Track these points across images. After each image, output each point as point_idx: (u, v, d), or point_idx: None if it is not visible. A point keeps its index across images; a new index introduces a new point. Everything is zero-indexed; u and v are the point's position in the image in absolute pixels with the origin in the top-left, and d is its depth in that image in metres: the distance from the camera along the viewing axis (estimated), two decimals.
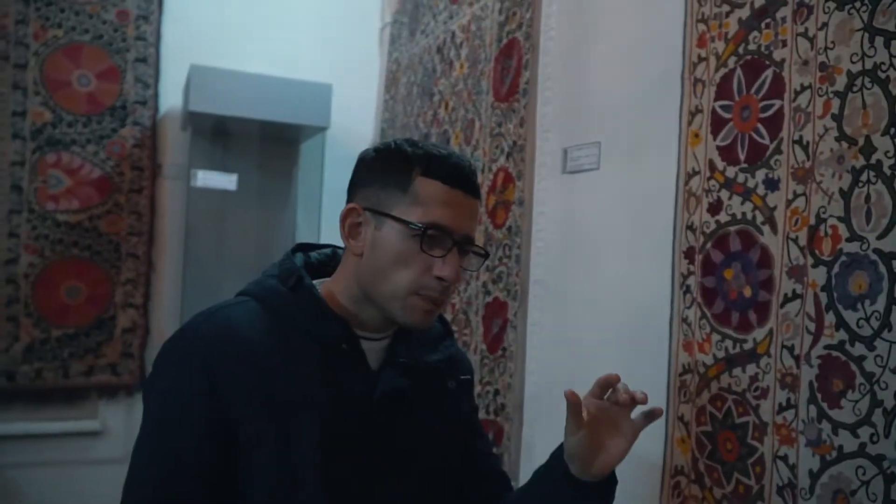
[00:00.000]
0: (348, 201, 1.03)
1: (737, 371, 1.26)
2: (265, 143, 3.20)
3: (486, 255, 1.07)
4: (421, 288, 0.95)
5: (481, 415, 2.21)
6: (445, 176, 0.96)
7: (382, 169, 1.00)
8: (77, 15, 2.87)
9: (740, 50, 1.32)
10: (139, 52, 2.97)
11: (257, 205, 3.17)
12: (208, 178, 2.96)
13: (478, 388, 2.25)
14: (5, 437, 2.73)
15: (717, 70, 1.37)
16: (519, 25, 2.21)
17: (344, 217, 1.01)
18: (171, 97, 3.02)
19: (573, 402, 1.02)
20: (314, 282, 1.03)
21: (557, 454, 1.09)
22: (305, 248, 1.12)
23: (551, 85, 2.01)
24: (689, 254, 1.40)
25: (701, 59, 1.41)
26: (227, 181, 3.00)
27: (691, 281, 1.39)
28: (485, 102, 2.39)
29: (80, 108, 2.87)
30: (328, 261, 1.11)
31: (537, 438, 1.93)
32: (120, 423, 2.91)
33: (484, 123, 2.38)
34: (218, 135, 3.10)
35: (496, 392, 2.15)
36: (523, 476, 1.95)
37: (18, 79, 2.78)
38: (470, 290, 2.36)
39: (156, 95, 2.99)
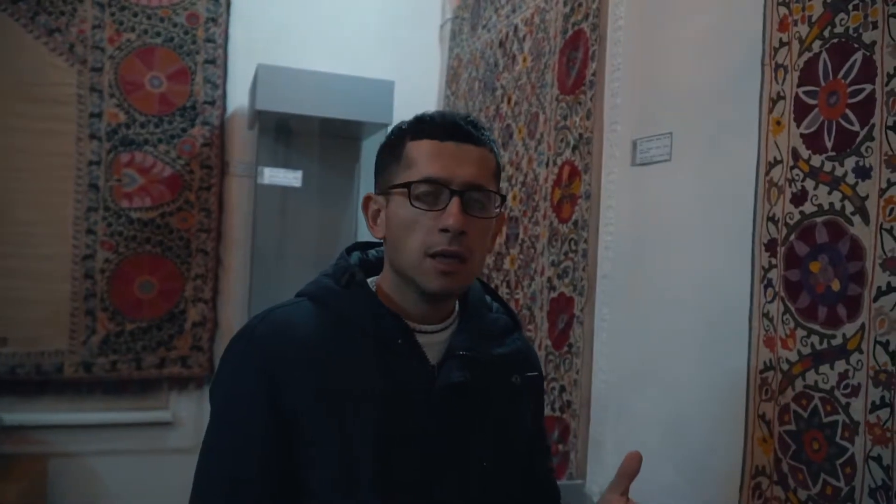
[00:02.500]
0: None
1: (824, 368, 1.21)
2: (328, 140, 3.24)
3: (502, 197, 0.99)
4: (429, 247, 0.93)
5: (547, 412, 2.18)
6: (434, 132, 0.95)
7: (384, 151, 1.01)
8: (149, 19, 2.96)
9: (826, 33, 1.26)
10: (208, 53, 3.04)
11: (321, 201, 3.21)
12: (274, 175, 3.01)
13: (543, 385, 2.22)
14: (83, 426, 2.85)
15: (800, 55, 1.31)
16: (585, 16, 2.17)
17: (364, 209, 1.02)
18: (238, 97, 3.09)
19: (631, 468, 0.97)
20: (371, 279, 1.03)
21: None
22: (364, 246, 1.11)
23: (620, 76, 1.97)
24: (770, 246, 1.35)
25: (783, 44, 1.36)
26: (292, 178, 3.04)
27: (773, 274, 1.34)
28: (549, 95, 2.36)
29: (153, 108, 2.96)
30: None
31: (606, 436, 1.90)
32: (190, 414, 3.00)
33: (549, 117, 2.35)
34: (283, 132, 3.15)
35: (562, 389, 2.12)
36: (591, 474, 1.92)
37: (95, 81, 2.88)
38: (535, 285, 2.34)
39: (224, 95, 3.06)
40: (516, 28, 2.69)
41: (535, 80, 2.48)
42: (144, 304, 2.95)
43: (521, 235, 2.48)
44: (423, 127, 0.96)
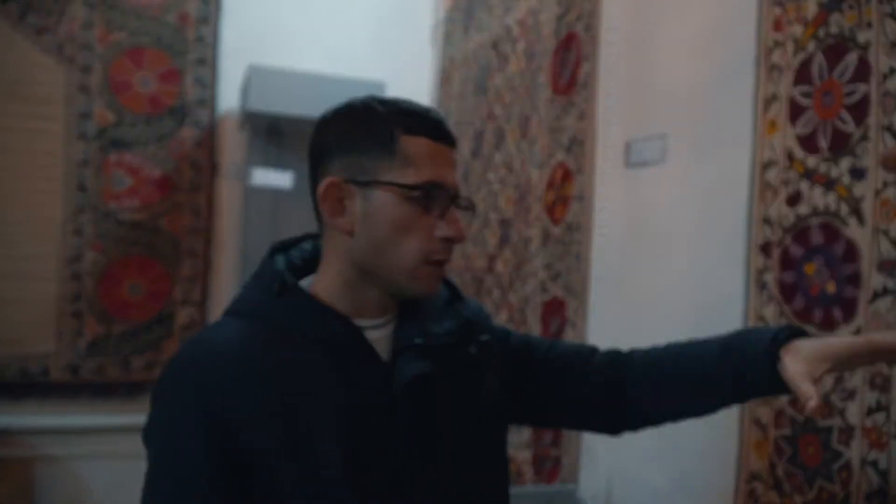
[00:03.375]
0: (319, 176, 0.92)
1: None
2: None
3: (473, 209, 0.96)
4: (430, 254, 0.88)
5: None
6: (428, 130, 0.89)
7: (357, 133, 0.90)
8: (139, 18, 2.93)
9: (820, 33, 1.25)
10: (198, 53, 3.01)
11: (312, 203, 3.18)
12: (264, 177, 2.99)
13: None
14: (69, 430, 2.80)
15: (795, 55, 1.30)
16: (578, 17, 2.16)
17: (324, 195, 0.90)
18: (228, 97, 3.06)
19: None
20: (302, 281, 0.95)
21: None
22: (283, 247, 1.01)
23: (613, 77, 1.96)
24: (765, 248, 1.33)
25: (777, 45, 1.35)
26: (282, 179, 3.02)
27: (768, 276, 1.32)
28: (542, 96, 2.35)
29: (142, 109, 2.93)
30: (312, 256, 1.00)
31: (598, 439, 1.88)
32: None
33: (542, 118, 2.34)
34: (274, 134, 3.12)
35: None
36: (583, 479, 1.90)
37: (84, 81, 2.85)
38: (527, 287, 2.32)
39: (214, 96, 3.03)
40: (509, 29, 2.67)
41: (528, 81, 2.47)
42: (132, 306, 2.92)
43: (513, 237, 2.46)
44: (417, 122, 0.89)
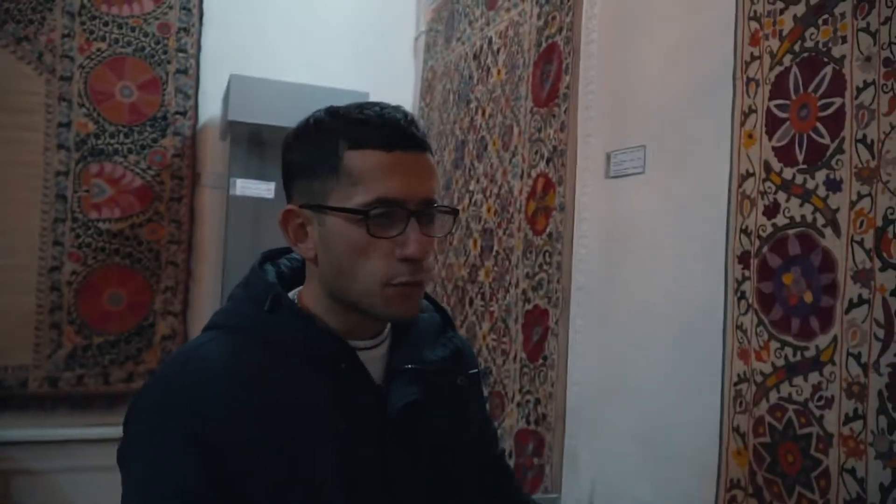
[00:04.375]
0: (288, 199, 0.89)
1: (798, 380, 1.21)
2: None
3: (454, 213, 0.91)
4: (391, 277, 0.82)
5: (521, 425, 2.18)
6: (378, 139, 0.80)
7: (308, 153, 0.85)
8: (120, 28, 2.92)
9: (796, 47, 1.28)
10: (180, 63, 3.00)
11: None
12: (246, 187, 2.97)
13: (518, 398, 2.21)
14: (48, 442, 2.76)
15: (771, 68, 1.33)
16: (559, 29, 2.18)
17: (284, 223, 0.86)
18: (210, 107, 3.05)
19: None
20: (290, 293, 0.91)
21: None
22: (274, 255, 0.96)
23: (593, 89, 1.98)
24: (743, 258, 1.35)
25: (754, 58, 1.37)
26: (264, 189, 3.01)
27: (746, 286, 1.34)
28: (523, 108, 2.36)
29: (123, 118, 2.91)
30: (301, 267, 0.94)
31: (581, 448, 1.89)
32: None
33: (523, 129, 2.36)
34: (256, 144, 3.11)
35: (537, 401, 2.11)
36: (566, 487, 1.91)
37: (64, 91, 2.83)
38: (509, 297, 2.33)
39: (195, 105, 3.02)
40: (490, 41, 2.69)
41: (510, 92, 2.49)
42: (112, 316, 2.89)
43: (495, 247, 2.47)
44: (362, 133, 0.81)
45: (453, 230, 0.95)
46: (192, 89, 3.01)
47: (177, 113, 2.99)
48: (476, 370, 1.04)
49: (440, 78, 3.25)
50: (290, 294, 0.91)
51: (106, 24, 2.89)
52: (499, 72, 2.60)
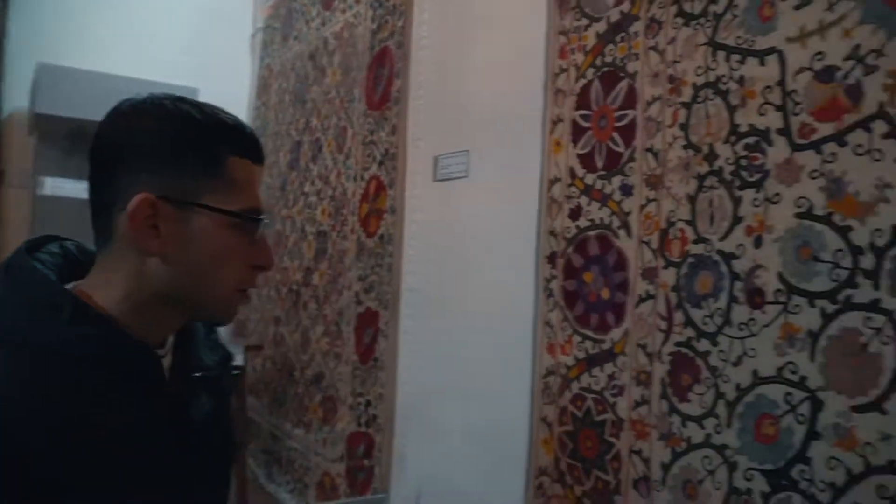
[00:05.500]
0: (118, 184, 0.78)
1: (596, 371, 1.30)
2: None
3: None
4: (243, 284, 0.82)
5: (353, 427, 2.17)
6: (253, 152, 0.82)
7: (178, 146, 0.79)
8: None
9: (598, 62, 1.37)
10: None
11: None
12: (58, 187, 2.75)
13: (350, 401, 2.21)
14: None
15: (576, 81, 1.42)
16: (391, 34, 2.21)
17: (135, 212, 0.76)
18: (16, 98, 2.79)
19: None
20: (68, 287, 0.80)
21: None
22: (33, 247, 0.83)
23: (423, 94, 2.02)
24: (551, 258, 1.43)
25: (562, 70, 1.46)
26: (80, 189, 2.79)
27: (554, 285, 1.42)
28: (357, 110, 2.37)
29: None
30: (63, 263, 0.84)
31: (409, 449, 1.91)
32: None
33: (356, 131, 2.36)
34: (71, 140, 2.89)
35: (368, 403, 2.12)
36: (394, 487, 1.93)
37: None
38: (343, 300, 2.32)
39: None
40: (326, 41, 2.68)
41: (344, 94, 2.48)
42: None
43: (329, 250, 2.46)
44: (244, 143, 0.81)
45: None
46: None
47: None
48: (237, 371, 1.06)
49: (277, 77, 3.18)
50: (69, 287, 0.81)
51: None
52: (334, 73, 2.59)
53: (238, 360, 2.73)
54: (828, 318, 0.95)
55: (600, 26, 1.38)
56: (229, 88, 3.22)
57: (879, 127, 0.91)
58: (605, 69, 1.36)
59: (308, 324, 2.55)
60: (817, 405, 0.96)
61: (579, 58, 1.42)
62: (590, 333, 1.32)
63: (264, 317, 2.97)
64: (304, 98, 2.83)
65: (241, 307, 0.86)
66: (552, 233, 1.44)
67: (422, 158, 1.99)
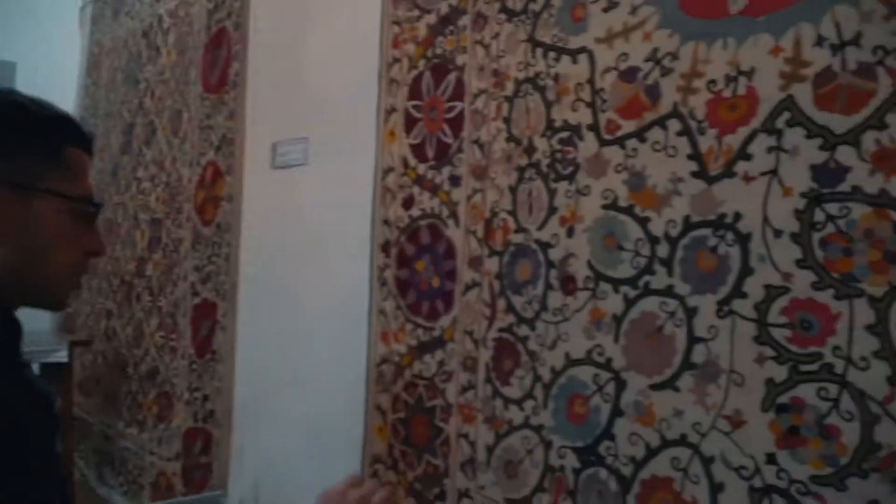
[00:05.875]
0: None
1: (427, 358, 1.32)
2: None
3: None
4: (78, 268, 0.87)
5: (189, 423, 2.09)
6: (87, 142, 0.88)
7: (18, 133, 0.83)
8: None
9: (429, 53, 1.39)
10: None
11: None
12: None
13: (186, 396, 2.12)
14: None
15: (409, 71, 1.43)
16: (228, 14, 2.12)
17: None
18: None
19: None
20: None
21: None
22: None
23: (261, 78, 1.96)
24: (385, 247, 1.44)
25: (396, 60, 1.46)
26: None
27: (388, 274, 1.43)
28: (193, 93, 2.26)
29: None
30: None
31: (247, 443, 1.87)
32: None
33: (193, 115, 2.25)
34: None
35: (205, 398, 2.04)
36: (232, 482, 1.88)
37: None
38: (178, 291, 2.22)
39: None
40: (160, 18, 2.53)
41: (180, 75, 2.36)
42: None
43: (164, 239, 2.33)
44: (80, 135, 0.86)
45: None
46: None
47: None
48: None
49: (108, 54, 2.97)
50: None
51: None
52: (169, 53, 2.45)
53: (63, 356, 2.55)
54: (630, 303, 1.02)
55: (431, 18, 1.39)
56: (57, 64, 2.98)
57: (673, 125, 0.98)
58: (436, 61, 1.37)
59: (141, 317, 2.42)
60: (621, 385, 1.03)
61: (412, 48, 1.43)
62: (421, 321, 1.34)
63: (95, 310, 2.78)
64: (137, 78, 2.67)
65: (72, 296, 0.91)
66: (386, 222, 1.44)
67: (260, 145, 1.93)
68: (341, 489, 0.90)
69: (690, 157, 0.95)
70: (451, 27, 1.35)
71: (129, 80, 2.73)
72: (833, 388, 0.82)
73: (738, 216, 0.90)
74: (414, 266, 1.38)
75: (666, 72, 0.99)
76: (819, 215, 0.83)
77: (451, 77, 1.34)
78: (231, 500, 1.84)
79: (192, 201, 2.19)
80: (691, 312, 0.95)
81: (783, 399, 0.86)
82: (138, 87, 2.64)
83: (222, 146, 2.08)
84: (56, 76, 2.97)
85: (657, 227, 1.00)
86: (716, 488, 0.91)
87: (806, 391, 0.84)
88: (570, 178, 1.11)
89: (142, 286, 2.44)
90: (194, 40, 2.29)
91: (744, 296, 0.89)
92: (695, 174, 0.95)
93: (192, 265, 2.16)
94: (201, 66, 2.23)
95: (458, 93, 1.32)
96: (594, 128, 1.08)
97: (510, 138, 1.21)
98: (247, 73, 2.01)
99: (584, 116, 1.09)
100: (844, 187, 0.82)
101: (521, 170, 1.18)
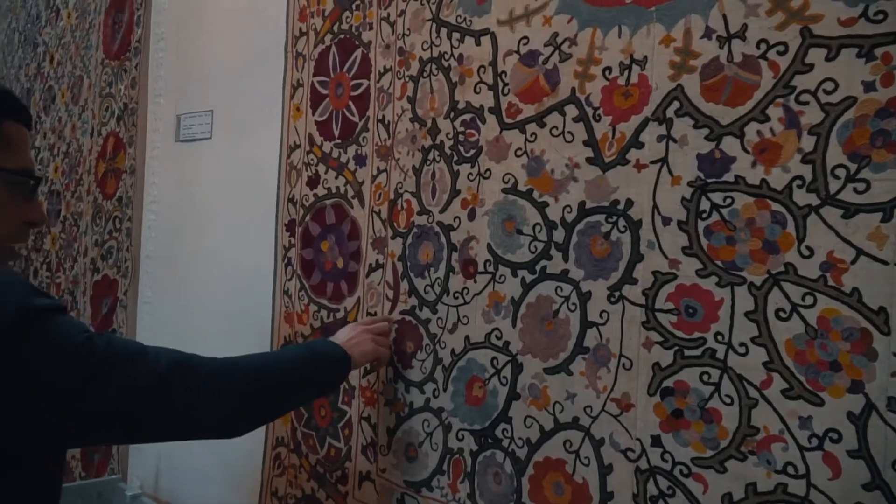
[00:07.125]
0: None
1: None
2: None
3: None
4: (15, 238, 0.91)
5: None
6: (25, 116, 0.92)
7: None
8: None
9: (335, 28, 1.35)
10: None
11: None
12: None
13: None
14: None
15: (315, 46, 1.39)
16: None
17: None
18: None
19: None
20: None
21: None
22: None
23: (164, 46, 1.87)
24: (290, 227, 1.41)
25: (302, 34, 1.42)
26: None
27: (292, 253, 1.40)
28: (94, 59, 2.14)
29: None
30: None
31: None
32: None
33: (93, 82, 2.14)
34: None
35: None
36: (132, 466, 1.82)
37: None
38: (77, 267, 2.12)
39: None
40: None
41: (80, 40, 2.23)
42: None
43: (63, 212, 2.22)
44: (18, 109, 0.90)
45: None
46: None
47: None
48: None
49: (5, 14, 2.78)
50: None
51: None
52: (69, 15, 2.32)
53: None
54: (527, 287, 1.03)
55: None
56: None
57: (571, 111, 0.98)
58: (342, 36, 1.34)
59: None
60: (517, 368, 1.04)
61: (318, 22, 1.39)
62: (325, 302, 1.32)
63: None
64: (35, 41, 2.51)
65: (10, 264, 0.94)
66: (291, 200, 1.41)
67: (163, 116, 1.85)
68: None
69: (586, 143, 0.96)
70: (358, 2, 1.31)
71: (26, 42, 2.57)
72: (715, 373, 0.84)
73: (629, 203, 0.92)
74: (319, 246, 1.35)
75: (565, 57, 0.99)
76: (705, 204, 0.85)
77: (358, 53, 1.30)
78: (130, 485, 1.79)
79: (93, 173, 2.09)
80: (585, 297, 0.96)
81: (668, 383, 0.88)
82: (37, 51, 2.49)
83: (124, 116, 1.98)
84: None
85: (554, 212, 1.00)
86: (605, 470, 0.93)
87: (690, 375, 0.86)
88: (473, 160, 1.10)
89: (39, 261, 2.32)
90: (96, 2, 2.16)
91: (634, 282, 0.91)
92: (590, 160, 0.96)
93: (92, 240, 2.06)
94: (102, 30, 2.12)
95: (364, 70, 1.29)
96: (496, 111, 1.07)
97: (414, 118, 1.19)
98: (149, 41, 1.92)
99: (486, 99, 1.08)
100: (729, 177, 0.83)
101: (424, 151, 1.17)
